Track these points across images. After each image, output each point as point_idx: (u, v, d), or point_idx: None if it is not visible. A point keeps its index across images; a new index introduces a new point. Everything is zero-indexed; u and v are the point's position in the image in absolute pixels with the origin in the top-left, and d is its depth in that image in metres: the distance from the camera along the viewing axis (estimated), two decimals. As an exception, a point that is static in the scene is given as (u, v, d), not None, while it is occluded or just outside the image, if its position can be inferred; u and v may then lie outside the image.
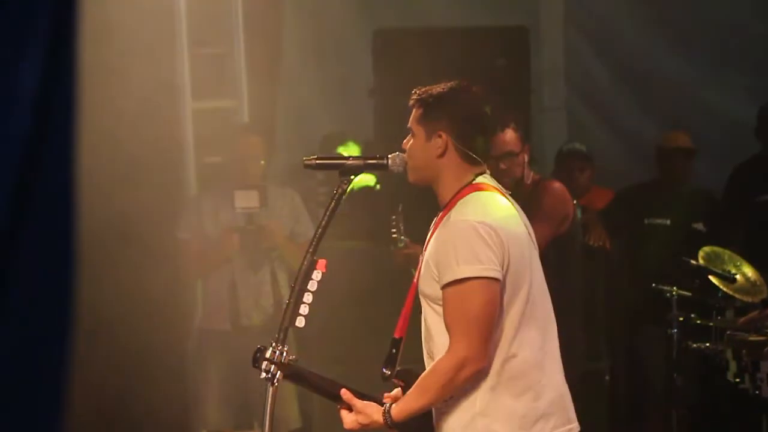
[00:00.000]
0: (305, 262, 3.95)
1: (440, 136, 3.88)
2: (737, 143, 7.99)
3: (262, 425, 4.11)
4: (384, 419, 3.86)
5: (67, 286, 1.33)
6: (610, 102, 8.56)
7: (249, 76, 7.46)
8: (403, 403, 3.85)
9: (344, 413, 3.95)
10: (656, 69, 8.45)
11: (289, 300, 3.98)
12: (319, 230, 3.96)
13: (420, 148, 3.91)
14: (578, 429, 3.93)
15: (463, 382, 3.77)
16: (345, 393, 3.94)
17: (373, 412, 3.89)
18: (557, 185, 5.88)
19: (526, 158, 5.77)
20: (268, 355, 3.91)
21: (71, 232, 1.31)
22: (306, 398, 6.77)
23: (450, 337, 3.78)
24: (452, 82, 3.96)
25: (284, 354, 3.91)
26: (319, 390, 4.05)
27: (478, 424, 3.80)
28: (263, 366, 3.92)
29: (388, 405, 3.87)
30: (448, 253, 3.76)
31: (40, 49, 1.28)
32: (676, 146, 7.61)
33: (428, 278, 3.84)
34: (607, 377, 7.57)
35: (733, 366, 6.36)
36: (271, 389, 3.99)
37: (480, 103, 3.97)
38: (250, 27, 7.44)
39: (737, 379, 6.36)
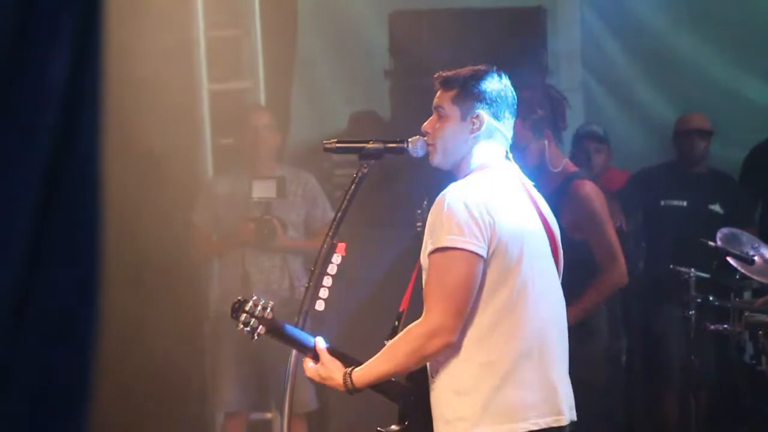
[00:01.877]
0: (325, 245, 3.96)
1: (478, 116, 3.89)
2: (754, 125, 7.96)
3: (281, 406, 4.12)
4: (344, 380, 3.84)
5: (93, 272, 1.34)
6: (626, 83, 8.53)
7: (265, 57, 7.46)
8: (367, 367, 3.83)
9: (308, 361, 3.93)
10: (673, 50, 8.41)
11: (308, 283, 4.00)
12: (339, 214, 3.97)
13: (454, 128, 3.90)
14: (566, 423, 3.87)
15: (431, 353, 3.75)
16: (319, 341, 3.93)
17: (334, 369, 3.87)
18: (589, 188, 5.62)
19: (547, 144, 5.57)
20: (247, 308, 3.91)
21: (98, 219, 1.32)
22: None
23: (425, 305, 3.77)
24: (480, 65, 3.96)
25: (267, 309, 3.90)
26: (300, 347, 4.00)
27: (460, 403, 3.78)
28: (242, 318, 3.91)
29: (350, 368, 3.85)
30: (436, 222, 3.75)
31: (68, 41, 1.28)
32: (693, 127, 7.59)
33: (424, 251, 3.83)
34: (623, 358, 7.57)
35: (750, 348, 6.36)
36: (290, 371, 4.00)
37: (509, 84, 3.98)
38: (266, 9, 7.43)
39: (754, 361, 6.35)
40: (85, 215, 1.34)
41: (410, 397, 3.90)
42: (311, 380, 3.96)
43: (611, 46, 8.59)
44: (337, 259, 3.96)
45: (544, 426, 3.81)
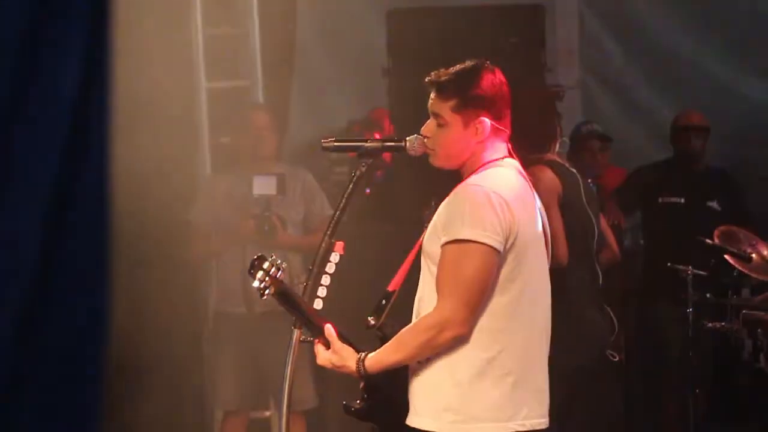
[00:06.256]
0: (323, 244, 3.97)
1: (482, 122, 3.87)
2: (751, 121, 7.97)
3: (280, 404, 4.13)
4: (357, 367, 3.84)
5: (104, 272, 1.35)
6: (624, 81, 8.55)
7: (263, 56, 7.46)
8: (379, 355, 3.84)
9: (320, 348, 3.93)
10: (671, 48, 8.43)
11: (306, 282, 4.00)
12: (337, 213, 3.97)
13: (457, 136, 3.88)
14: (546, 426, 3.90)
15: (442, 344, 3.75)
16: (328, 329, 3.92)
17: (347, 356, 3.87)
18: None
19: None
20: (265, 266, 3.88)
21: (106, 221, 1.34)
22: (321, 378, 6.79)
23: (438, 296, 3.76)
24: (472, 63, 3.95)
25: (280, 271, 3.87)
26: (304, 318, 3.98)
27: (455, 395, 3.79)
28: (258, 275, 3.88)
29: (363, 354, 3.85)
30: (456, 213, 3.75)
31: (78, 53, 1.30)
32: (691, 125, 7.59)
33: (433, 237, 3.82)
34: (621, 356, 7.57)
35: (748, 345, 6.36)
36: (289, 368, 4.01)
37: (502, 78, 3.96)
38: (265, 7, 7.44)
39: (753, 358, 6.36)
40: (97, 219, 1.35)
41: (378, 376, 3.89)
42: (322, 367, 3.96)
43: (610, 44, 8.60)
44: (335, 258, 3.97)
45: (529, 428, 3.83)
